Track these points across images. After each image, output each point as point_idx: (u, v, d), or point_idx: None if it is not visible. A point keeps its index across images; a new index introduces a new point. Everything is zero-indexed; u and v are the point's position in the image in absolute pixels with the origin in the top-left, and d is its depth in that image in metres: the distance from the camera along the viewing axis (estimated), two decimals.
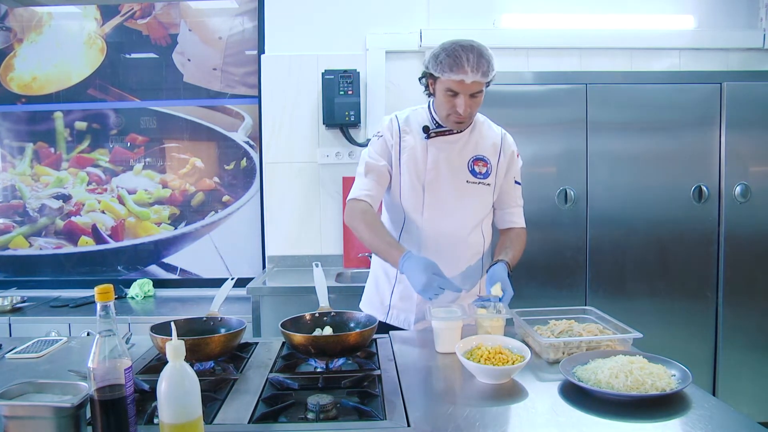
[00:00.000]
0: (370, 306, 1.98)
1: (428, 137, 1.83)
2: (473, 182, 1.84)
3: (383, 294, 1.94)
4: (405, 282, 1.85)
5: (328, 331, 1.54)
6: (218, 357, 1.43)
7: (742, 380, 2.91)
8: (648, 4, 3.27)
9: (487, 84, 1.76)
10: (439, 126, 1.84)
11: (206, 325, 1.56)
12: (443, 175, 1.83)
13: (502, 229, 1.99)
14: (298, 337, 1.41)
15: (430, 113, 1.86)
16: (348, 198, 1.86)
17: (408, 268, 1.63)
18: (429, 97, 1.86)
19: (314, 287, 1.73)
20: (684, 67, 3.29)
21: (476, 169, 1.84)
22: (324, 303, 1.66)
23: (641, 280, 2.88)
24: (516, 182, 1.95)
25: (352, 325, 1.58)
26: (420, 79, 1.82)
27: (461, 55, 1.66)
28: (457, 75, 1.67)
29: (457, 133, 1.84)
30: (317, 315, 1.60)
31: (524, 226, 1.98)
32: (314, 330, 1.55)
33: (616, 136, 2.86)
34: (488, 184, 1.86)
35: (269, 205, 3.28)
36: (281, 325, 1.49)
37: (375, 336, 1.66)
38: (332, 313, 1.61)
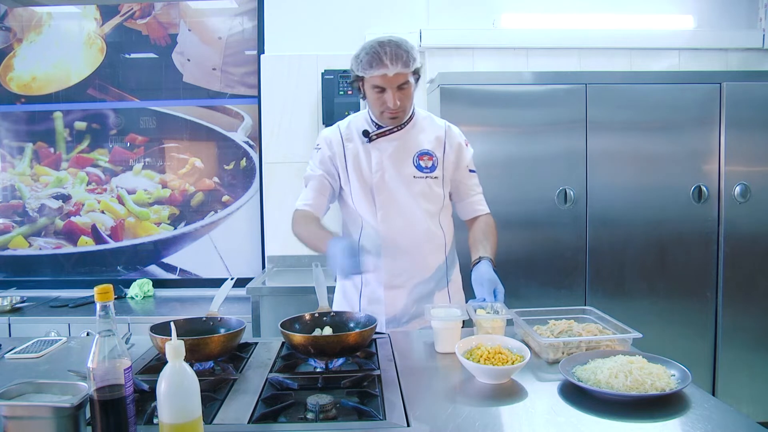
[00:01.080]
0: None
1: (369, 140, 1.86)
2: (420, 177, 1.86)
3: (351, 300, 1.95)
4: (370, 287, 1.89)
5: (327, 331, 1.54)
6: (218, 357, 1.43)
7: (742, 380, 2.90)
8: (647, 4, 3.27)
9: (417, 77, 1.79)
10: (380, 127, 1.86)
11: (206, 325, 1.56)
12: (389, 174, 1.85)
13: (469, 220, 1.99)
14: (298, 337, 1.41)
15: (369, 116, 1.88)
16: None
17: (329, 254, 1.62)
18: (363, 100, 1.87)
19: (314, 287, 1.73)
20: (683, 67, 3.29)
21: (422, 163, 1.86)
22: (323, 303, 1.66)
23: (641, 280, 2.88)
24: (471, 170, 1.96)
25: (351, 325, 1.57)
26: (351, 83, 1.85)
27: (379, 51, 1.70)
28: (378, 70, 1.71)
29: (398, 131, 1.86)
30: (317, 315, 1.60)
31: (488, 211, 1.99)
32: (314, 330, 1.55)
33: (616, 136, 2.86)
34: (436, 177, 1.87)
35: (269, 205, 3.28)
36: (281, 325, 1.49)
37: (374, 336, 1.67)
38: (332, 313, 1.61)
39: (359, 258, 1.54)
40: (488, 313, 1.64)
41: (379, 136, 1.87)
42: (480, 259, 1.80)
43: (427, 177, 1.86)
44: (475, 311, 1.64)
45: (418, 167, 1.86)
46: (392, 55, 1.70)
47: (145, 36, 3.41)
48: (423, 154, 1.87)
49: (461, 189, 1.96)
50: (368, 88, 1.78)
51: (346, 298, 1.97)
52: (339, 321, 1.59)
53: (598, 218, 2.86)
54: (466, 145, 1.96)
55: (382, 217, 1.86)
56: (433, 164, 1.87)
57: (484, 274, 1.73)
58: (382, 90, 1.75)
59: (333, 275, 1.63)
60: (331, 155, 1.90)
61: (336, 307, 2.03)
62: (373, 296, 1.90)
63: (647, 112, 2.86)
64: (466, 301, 1.79)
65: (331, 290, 1.80)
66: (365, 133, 1.87)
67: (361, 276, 1.89)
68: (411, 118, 1.89)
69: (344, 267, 1.55)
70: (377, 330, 1.87)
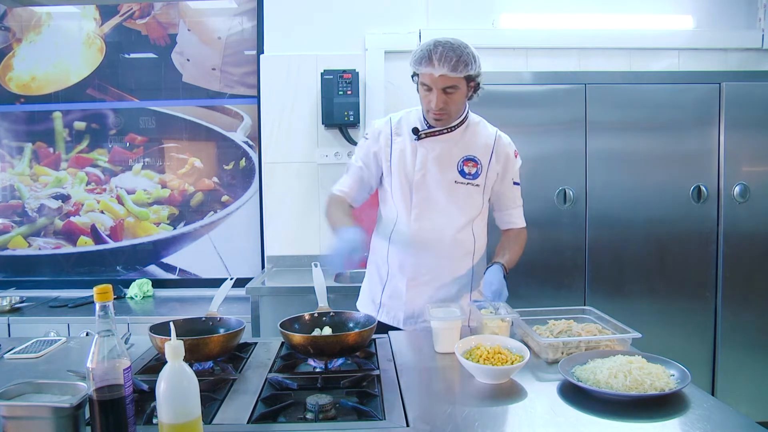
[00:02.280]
0: (364, 305, 2.02)
1: (418, 138, 1.85)
2: (461, 182, 1.85)
3: (375, 292, 1.97)
4: (394, 281, 1.91)
5: (327, 331, 1.54)
6: (217, 357, 1.43)
7: (741, 380, 2.91)
8: (647, 4, 3.27)
9: (474, 85, 1.78)
10: (431, 127, 1.85)
11: (205, 325, 1.56)
12: (431, 175, 1.85)
13: (504, 230, 2.01)
14: (298, 337, 1.41)
15: (422, 114, 1.88)
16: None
17: (343, 234, 1.68)
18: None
19: (313, 287, 1.73)
20: (683, 67, 3.29)
21: (465, 169, 1.86)
22: (323, 303, 1.66)
23: (640, 280, 2.89)
24: (515, 183, 1.95)
25: (351, 325, 1.58)
26: (412, 77, 1.84)
27: (431, 49, 1.70)
28: (425, 68, 1.71)
29: (447, 133, 1.85)
30: (316, 315, 1.60)
31: (524, 226, 2.00)
32: (313, 330, 1.55)
33: (615, 136, 2.86)
34: (477, 185, 1.87)
35: (268, 205, 3.28)
36: (280, 325, 1.49)
37: (374, 336, 1.67)
38: (331, 314, 1.61)
39: (348, 255, 1.61)
40: (491, 313, 1.64)
41: (428, 135, 1.86)
42: (493, 263, 1.81)
43: (468, 184, 1.86)
44: (481, 312, 1.64)
45: (461, 173, 1.86)
46: (441, 55, 1.68)
47: (145, 36, 3.41)
48: (468, 160, 1.86)
49: (502, 200, 1.95)
50: (420, 84, 1.79)
51: (371, 290, 2.00)
52: (338, 321, 1.59)
53: (597, 218, 2.86)
54: (516, 156, 1.94)
55: (416, 216, 1.86)
56: (476, 171, 1.87)
57: (491, 276, 1.75)
58: (430, 89, 1.75)
59: (331, 269, 1.71)
60: (376, 150, 1.91)
61: (360, 297, 2.06)
62: (395, 291, 1.91)
63: (647, 112, 2.86)
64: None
65: (330, 290, 1.80)
66: (415, 131, 1.86)
67: (388, 271, 1.92)
68: (463, 121, 1.88)
69: (335, 259, 1.62)
70: (395, 325, 1.89)
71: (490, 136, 1.91)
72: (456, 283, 1.90)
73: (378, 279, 1.97)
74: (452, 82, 1.72)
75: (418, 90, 1.82)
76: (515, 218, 1.98)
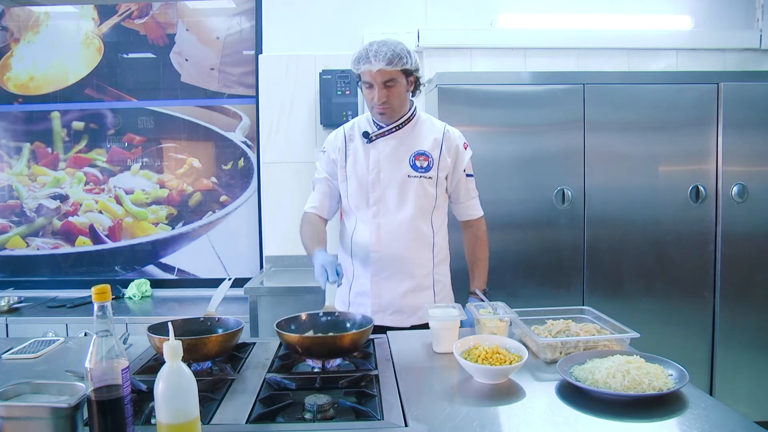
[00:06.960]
0: (336, 306, 2.04)
1: (369, 141, 1.95)
2: (414, 176, 1.93)
3: (343, 293, 2.03)
4: (360, 279, 1.98)
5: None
6: (215, 357, 1.43)
7: (739, 380, 2.91)
8: (645, 4, 3.28)
9: (414, 80, 1.89)
10: (380, 128, 1.95)
11: (203, 326, 1.56)
12: (384, 173, 1.94)
13: (462, 222, 2.10)
14: (292, 337, 1.41)
15: (372, 118, 1.98)
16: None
17: (314, 261, 1.79)
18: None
19: (312, 287, 1.74)
20: (681, 67, 3.30)
21: (417, 163, 1.94)
22: (330, 302, 1.66)
23: (639, 280, 2.89)
24: (468, 175, 2.03)
25: (348, 325, 1.57)
26: (357, 84, 1.94)
27: (367, 48, 1.83)
28: (364, 65, 1.83)
29: (396, 131, 1.94)
30: (320, 314, 1.60)
31: (481, 214, 2.09)
32: (309, 330, 1.55)
33: (614, 136, 2.86)
34: (430, 177, 1.94)
35: (267, 205, 3.28)
36: (277, 326, 1.49)
37: (372, 336, 1.67)
38: (336, 314, 1.61)
39: (326, 277, 1.69)
40: (489, 313, 1.64)
41: (378, 136, 1.94)
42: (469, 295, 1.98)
43: (421, 177, 1.93)
44: (479, 311, 1.64)
45: (414, 167, 1.93)
46: (376, 52, 1.80)
47: (143, 36, 3.41)
48: (419, 155, 1.94)
49: (458, 192, 2.04)
50: (362, 84, 1.89)
51: (341, 291, 2.04)
52: (335, 322, 1.59)
53: (596, 218, 2.86)
54: (465, 147, 2.02)
55: (375, 213, 1.94)
56: (428, 164, 1.94)
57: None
58: (371, 86, 1.85)
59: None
60: (334, 158, 2.00)
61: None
62: (361, 288, 1.98)
63: (645, 113, 2.86)
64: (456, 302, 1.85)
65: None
66: (365, 134, 1.95)
67: (353, 272, 1.99)
68: (410, 119, 1.96)
69: (317, 278, 1.73)
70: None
71: (439, 131, 1.99)
72: (417, 274, 1.96)
73: (345, 281, 2.02)
74: (390, 75, 1.82)
75: (363, 94, 1.92)
76: (472, 210, 2.07)
